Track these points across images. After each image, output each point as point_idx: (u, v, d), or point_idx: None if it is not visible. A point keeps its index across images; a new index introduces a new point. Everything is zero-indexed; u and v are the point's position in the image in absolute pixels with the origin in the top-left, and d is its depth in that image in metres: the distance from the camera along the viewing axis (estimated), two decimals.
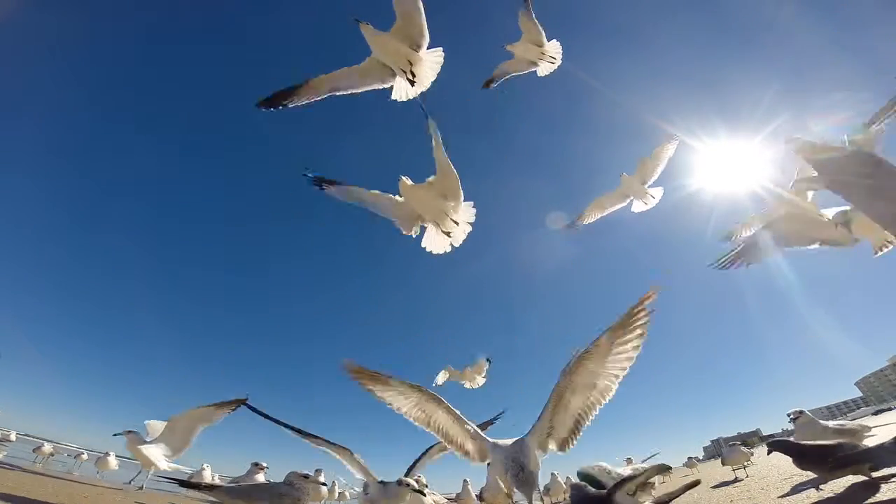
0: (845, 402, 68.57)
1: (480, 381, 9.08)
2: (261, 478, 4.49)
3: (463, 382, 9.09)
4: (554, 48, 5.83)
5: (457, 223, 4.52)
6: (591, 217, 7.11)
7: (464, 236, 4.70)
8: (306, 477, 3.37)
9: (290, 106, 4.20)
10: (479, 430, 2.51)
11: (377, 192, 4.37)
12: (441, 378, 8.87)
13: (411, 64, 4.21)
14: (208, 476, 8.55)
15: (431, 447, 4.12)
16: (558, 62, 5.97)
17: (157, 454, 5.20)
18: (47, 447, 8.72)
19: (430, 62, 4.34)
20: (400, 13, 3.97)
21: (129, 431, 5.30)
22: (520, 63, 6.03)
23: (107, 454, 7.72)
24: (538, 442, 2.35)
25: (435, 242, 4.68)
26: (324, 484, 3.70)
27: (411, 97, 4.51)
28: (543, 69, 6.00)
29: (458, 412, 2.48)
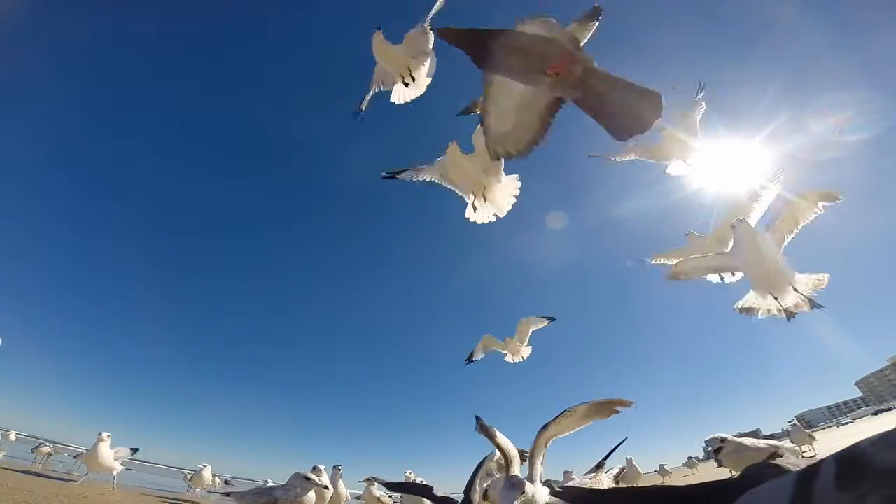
0: (845, 402, 68.63)
1: (526, 352, 7.97)
2: (324, 479, 4.35)
3: (504, 354, 8.00)
4: None
5: (493, 200, 4.48)
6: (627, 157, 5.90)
7: (508, 207, 4.61)
8: (308, 479, 3.42)
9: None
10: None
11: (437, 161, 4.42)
12: (479, 353, 7.91)
13: (410, 70, 4.43)
14: (208, 476, 8.60)
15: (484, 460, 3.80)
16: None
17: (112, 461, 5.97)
18: (46, 447, 8.74)
19: (426, 66, 4.55)
20: (408, 39, 4.26)
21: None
22: None
23: None
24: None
25: (476, 213, 4.65)
26: (325, 487, 3.68)
27: (409, 100, 4.67)
28: None
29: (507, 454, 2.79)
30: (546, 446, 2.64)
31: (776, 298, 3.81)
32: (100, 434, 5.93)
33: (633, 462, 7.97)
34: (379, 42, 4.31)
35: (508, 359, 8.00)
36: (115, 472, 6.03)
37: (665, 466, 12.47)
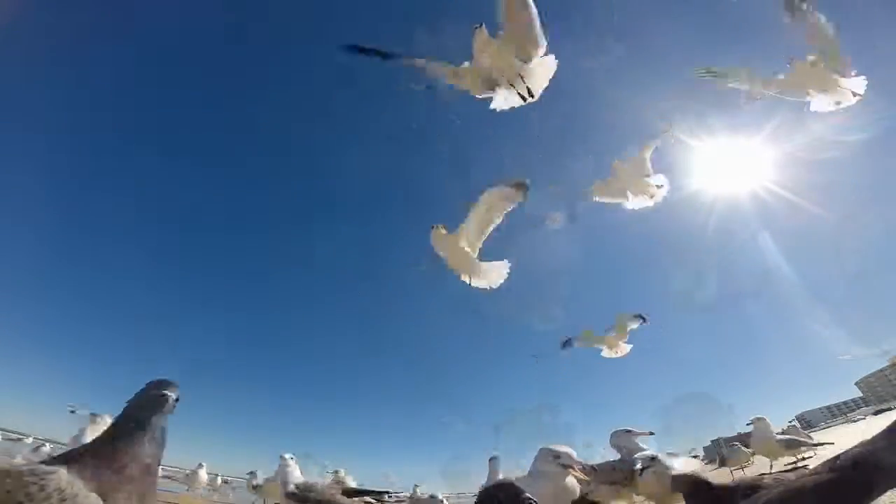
0: (845, 402, 68.44)
1: (625, 348, 7.66)
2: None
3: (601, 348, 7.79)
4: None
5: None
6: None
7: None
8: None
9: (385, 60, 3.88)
10: None
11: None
12: (578, 342, 7.76)
13: (522, 77, 3.95)
14: (204, 475, 8.56)
15: None
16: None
17: None
18: (46, 448, 8.70)
19: (543, 73, 4.05)
20: (510, 21, 3.63)
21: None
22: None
23: None
24: None
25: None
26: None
27: (515, 106, 4.27)
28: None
29: None
30: None
31: None
32: (94, 414, 5.17)
33: None
34: (484, 40, 3.69)
35: (605, 353, 7.82)
36: None
37: None
